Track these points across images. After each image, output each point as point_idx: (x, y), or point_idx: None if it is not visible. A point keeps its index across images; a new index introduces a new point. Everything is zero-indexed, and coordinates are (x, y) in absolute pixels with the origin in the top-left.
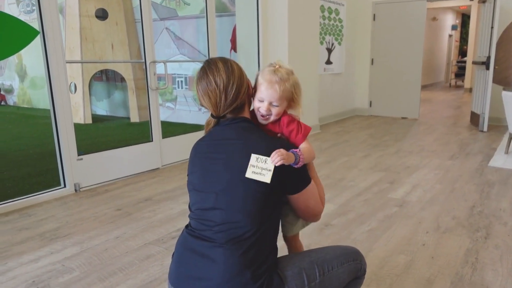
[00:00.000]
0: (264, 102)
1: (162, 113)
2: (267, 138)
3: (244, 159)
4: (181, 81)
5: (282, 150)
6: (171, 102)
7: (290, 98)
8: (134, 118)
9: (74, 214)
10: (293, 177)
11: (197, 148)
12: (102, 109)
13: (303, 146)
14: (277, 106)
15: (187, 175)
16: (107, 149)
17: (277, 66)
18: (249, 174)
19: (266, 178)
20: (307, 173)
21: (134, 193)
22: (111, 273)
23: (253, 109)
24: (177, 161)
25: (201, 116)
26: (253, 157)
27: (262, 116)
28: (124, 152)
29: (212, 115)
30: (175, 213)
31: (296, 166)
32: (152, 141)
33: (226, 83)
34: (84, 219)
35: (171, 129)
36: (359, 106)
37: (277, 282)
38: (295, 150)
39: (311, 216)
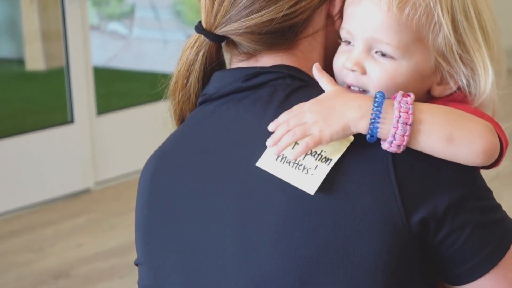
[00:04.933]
0: (356, 42)
1: (100, 48)
2: None
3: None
4: None
5: (303, 105)
6: (121, 22)
7: (441, 50)
8: (35, 61)
9: None
10: (450, 223)
11: (156, 180)
12: None
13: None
14: (389, 55)
15: (137, 253)
16: None
17: None
18: (267, 160)
19: (311, 182)
20: (495, 209)
21: (28, 257)
22: None
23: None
24: (132, 172)
25: None
26: None
27: (349, 86)
28: (8, 150)
29: (198, 24)
30: None
31: (386, 148)
32: (72, 122)
33: None
34: None
35: (120, 87)
36: None
37: None
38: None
39: None
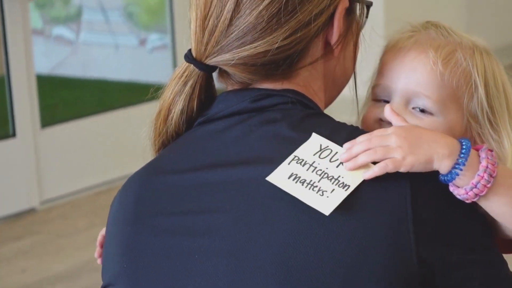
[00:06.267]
0: (394, 97)
1: (45, 55)
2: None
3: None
4: None
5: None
6: (67, 25)
7: (474, 111)
8: None
9: None
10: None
11: (145, 195)
12: None
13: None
14: (427, 110)
15: None
16: None
17: (440, 29)
18: (279, 177)
19: (326, 203)
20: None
21: None
22: None
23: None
24: (80, 190)
25: (147, 60)
26: (315, 139)
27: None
28: None
29: (188, 53)
30: None
31: (459, 194)
32: (14, 136)
33: None
34: None
35: (67, 97)
36: None
37: None
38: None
39: None
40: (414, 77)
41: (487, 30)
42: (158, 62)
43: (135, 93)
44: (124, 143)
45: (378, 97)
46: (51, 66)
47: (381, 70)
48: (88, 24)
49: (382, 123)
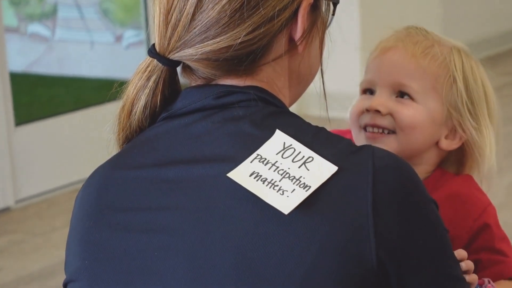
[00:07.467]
0: (379, 89)
1: (20, 53)
2: (328, 140)
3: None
4: None
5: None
6: (43, 23)
7: (454, 101)
8: None
9: None
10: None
11: (106, 191)
12: None
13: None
14: (410, 97)
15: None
16: None
17: (419, 30)
18: (240, 174)
19: (286, 202)
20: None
21: None
22: None
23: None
24: (56, 188)
25: (123, 56)
26: (278, 137)
27: (368, 127)
28: None
29: (151, 48)
30: None
31: None
32: None
33: None
34: None
35: (42, 94)
36: None
37: None
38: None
39: None
40: (396, 70)
41: (463, 30)
42: (134, 58)
43: (111, 90)
44: (100, 140)
45: (364, 90)
46: (27, 64)
47: (367, 69)
48: (64, 21)
49: (367, 112)
